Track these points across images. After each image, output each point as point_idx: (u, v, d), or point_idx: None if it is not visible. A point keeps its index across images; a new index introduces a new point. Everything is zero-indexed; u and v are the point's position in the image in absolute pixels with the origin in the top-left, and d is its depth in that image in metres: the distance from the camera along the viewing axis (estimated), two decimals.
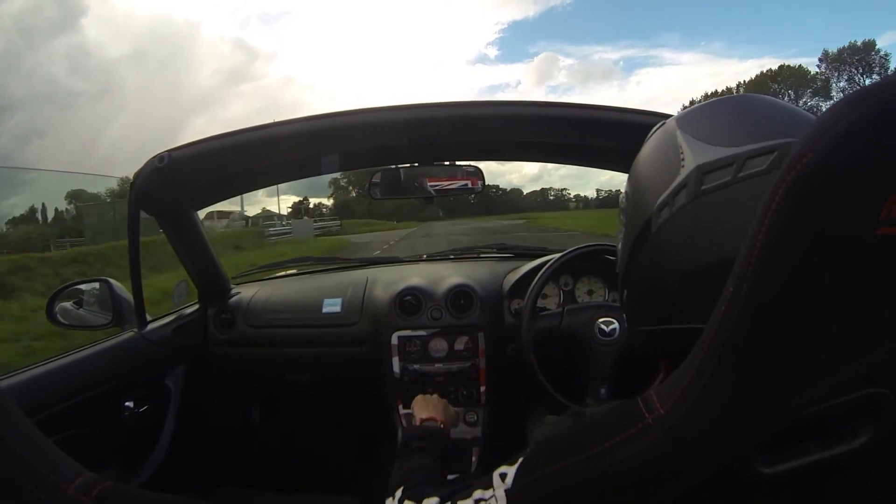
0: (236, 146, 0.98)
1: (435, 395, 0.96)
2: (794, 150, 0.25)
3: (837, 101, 0.25)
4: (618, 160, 1.13)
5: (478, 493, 0.42)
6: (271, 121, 0.98)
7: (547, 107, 0.94)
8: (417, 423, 0.84)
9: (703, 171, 0.37)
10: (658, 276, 0.40)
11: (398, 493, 0.52)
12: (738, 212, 0.34)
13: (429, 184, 1.08)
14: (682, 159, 0.38)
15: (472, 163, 1.12)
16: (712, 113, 0.41)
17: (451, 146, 1.08)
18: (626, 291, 0.46)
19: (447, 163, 1.11)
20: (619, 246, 0.47)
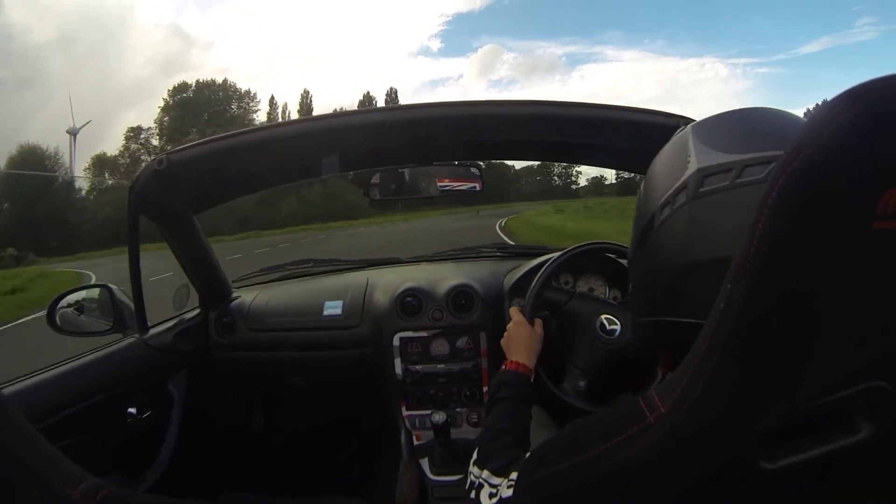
0: (235, 148, 0.98)
1: (520, 328, 0.93)
2: (789, 148, 0.26)
3: (831, 99, 0.26)
4: (618, 159, 1.13)
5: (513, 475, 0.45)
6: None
7: (548, 106, 0.94)
8: (507, 366, 0.84)
9: (703, 174, 0.38)
10: (656, 269, 0.42)
11: (474, 455, 0.60)
12: (733, 216, 0.35)
13: (438, 184, 1.08)
14: (688, 162, 0.40)
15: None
16: (724, 121, 0.43)
17: (451, 146, 1.08)
18: (631, 284, 0.48)
19: (453, 163, 1.11)
20: (630, 240, 0.48)
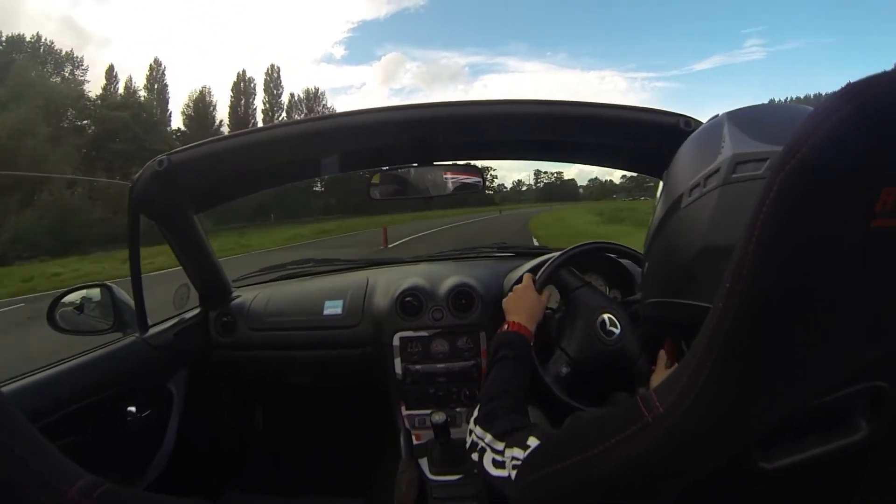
0: (236, 149, 0.98)
1: (528, 292, 0.95)
2: (787, 146, 0.25)
3: (829, 96, 0.25)
4: (620, 158, 1.13)
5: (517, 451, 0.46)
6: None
7: (550, 105, 0.94)
8: (509, 326, 0.85)
9: (737, 160, 0.38)
10: (676, 250, 0.42)
11: (475, 412, 0.61)
12: None
13: (444, 177, 1.08)
14: (722, 147, 0.40)
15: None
16: (762, 111, 0.43)
17: (452, 146, 1.08)
18: (646, 264, 0.48)
19: (450, 162, 1.11)
20: (651, 221, 0.48)
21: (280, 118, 38.51)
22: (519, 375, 0.74)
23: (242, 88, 39.88)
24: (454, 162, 1.10)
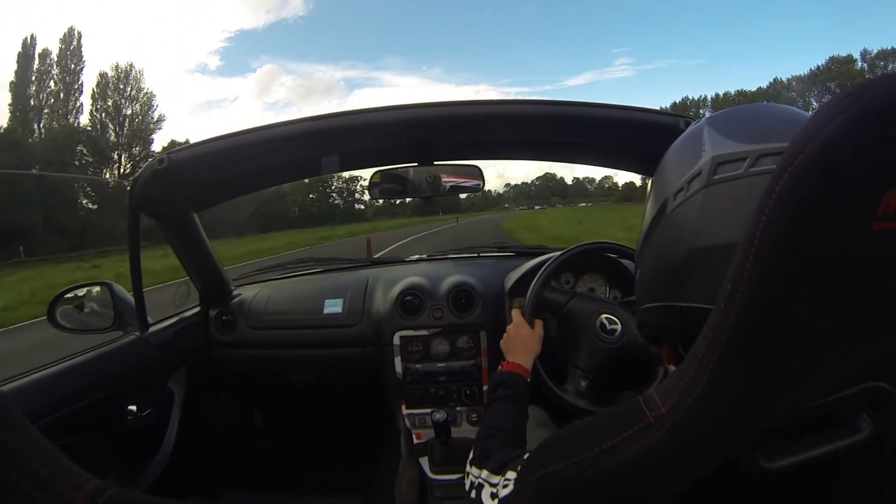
0: (236, 147, 0.98)
1: (520, 329, 0.95)
2: (790, 148, 0.26)
3: (830, 99, 0.25)
4: (618, 158, 1.13)
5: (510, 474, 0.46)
6: None
7: (549, 105, 0.94)
8: (504, 367, 0.86)
9: (718, 161, 0.39)
10: (666, 253, 0.42)
11: (471, 454, 0.61)
12: (745, 203, 0.35)
13: (444, 180, 1.08)
14: (703, 150, 0.41)
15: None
16: (740, 112, 0.43)
17: (452, 146, 1.07)
18: (639, 270, 0.48)
19: (451, 163, 1.11)
20: (641, 228, 0.49)
21: (77, 103, 31.04)
22: (515, 414, 0.74)
23: (37, 61, 29.58)
24: (456, 163, 1.10)
